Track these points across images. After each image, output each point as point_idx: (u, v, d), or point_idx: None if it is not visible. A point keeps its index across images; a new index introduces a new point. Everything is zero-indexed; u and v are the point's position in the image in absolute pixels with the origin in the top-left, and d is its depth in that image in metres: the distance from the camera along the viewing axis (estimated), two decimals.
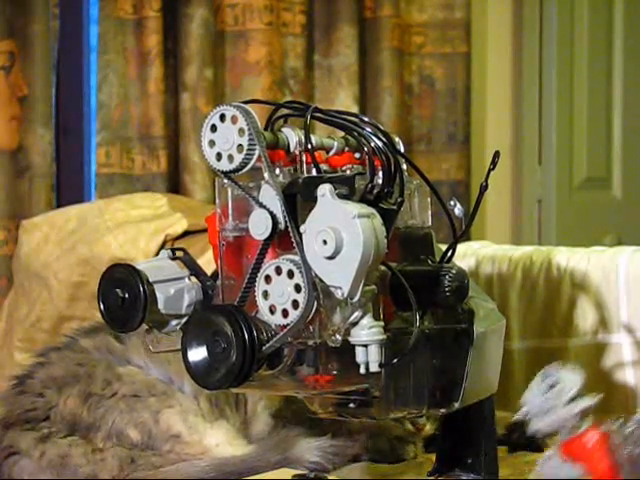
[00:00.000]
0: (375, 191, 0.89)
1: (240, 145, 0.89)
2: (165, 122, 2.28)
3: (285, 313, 0.86)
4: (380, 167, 0.91)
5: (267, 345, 0.86)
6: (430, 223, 1.01)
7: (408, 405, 0.97)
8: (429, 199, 1.01)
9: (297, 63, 2.45)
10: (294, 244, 0.87)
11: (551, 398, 0.93)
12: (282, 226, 0.88)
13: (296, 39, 2.45)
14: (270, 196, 0.89)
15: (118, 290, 0.96)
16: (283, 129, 0.94)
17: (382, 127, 0.95)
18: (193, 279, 1.00)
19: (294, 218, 0.88)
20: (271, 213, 0.88)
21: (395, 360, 0.90)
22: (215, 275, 0.98)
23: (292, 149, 0.93)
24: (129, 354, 1.32)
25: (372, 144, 0.92)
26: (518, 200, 2.95)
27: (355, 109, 2.47)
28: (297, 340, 0.88)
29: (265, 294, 0.87)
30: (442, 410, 1.00)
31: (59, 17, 2.26)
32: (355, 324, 0.87)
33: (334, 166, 0.97)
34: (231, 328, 0.85)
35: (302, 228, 0.86)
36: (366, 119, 0.96)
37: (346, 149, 0.98)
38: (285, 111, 0.97)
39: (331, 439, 1.24)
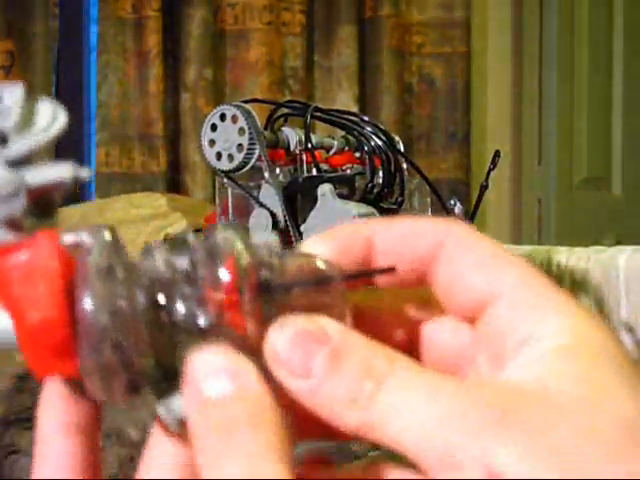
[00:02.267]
0: (375, 191, 0.90)
1: (240, 144, 0.89)
2: (165, 122, 2.28)
3: None
4: (380, 167, 0.91)
5: None
6: None
7: None
8: (429, 199, 1.01)
9: (297, 63, 2.45)
10: (294, 244, 0.87)
11: None
12: (282, 225, 0.88)
13: (296, 39, 2.45)
14: (270, 195, 0.89)
15: None
16: (283, 129, 0.94)
17: (382, 126, 0.95)
18: None
19: (294, 218, 0.88)
20: (271, 213, 0.88)
21: None
22: None
23: (292, 148, 0.93)
24: None
25: (372, 143, 0.92)
26: (518, 200, 2.95)
27: (355, 109, 2.47)
28: None
29: None
30: None
31: (59, 17, 2.26)
32: None
33: (334, 166, 0.97)
34: None
35: (302, 228, 0.86)
36: (366, 118, 0.96)
37: (346, 149, 0.98)
38: (285, 110, 0.97)
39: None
